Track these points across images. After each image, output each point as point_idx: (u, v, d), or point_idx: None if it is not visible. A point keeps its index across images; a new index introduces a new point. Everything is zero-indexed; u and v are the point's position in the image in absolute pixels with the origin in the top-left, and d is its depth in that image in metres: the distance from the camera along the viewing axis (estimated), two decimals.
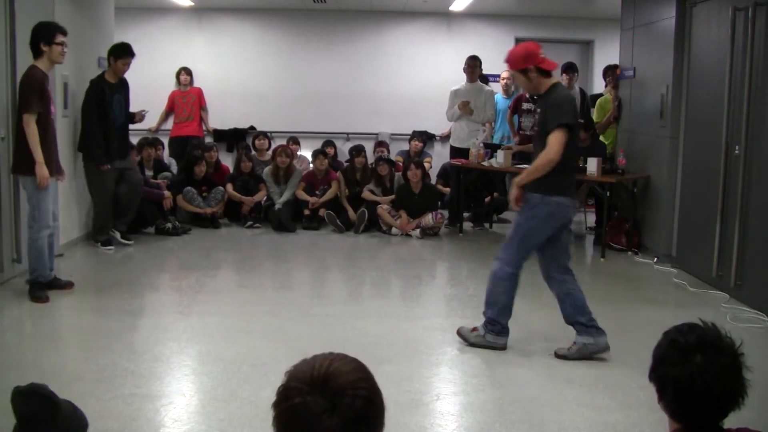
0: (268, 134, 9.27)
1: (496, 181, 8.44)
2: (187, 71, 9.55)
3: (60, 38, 4.96)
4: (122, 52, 6.48)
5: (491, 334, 4.27)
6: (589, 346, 4.13)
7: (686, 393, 1.65)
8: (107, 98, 6.44)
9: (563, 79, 8.31)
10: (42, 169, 4.81)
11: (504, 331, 4.29)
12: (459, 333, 4.41)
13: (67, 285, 5.31)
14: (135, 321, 4.79)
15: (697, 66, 6.25)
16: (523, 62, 4.11)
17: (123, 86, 6.67)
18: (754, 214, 5.23)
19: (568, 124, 3.98)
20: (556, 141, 3.95)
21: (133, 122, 6.93)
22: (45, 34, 4.92)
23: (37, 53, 4.93)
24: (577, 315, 4.18)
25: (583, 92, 8.40)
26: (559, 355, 4.16)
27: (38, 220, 4.93)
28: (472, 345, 4.30)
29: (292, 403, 1.24)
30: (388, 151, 9.44)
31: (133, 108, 6.91)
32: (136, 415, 3.27)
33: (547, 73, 4.13)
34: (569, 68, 8.35)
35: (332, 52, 10.35)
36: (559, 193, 4.08)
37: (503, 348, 4.28)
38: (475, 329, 4.35)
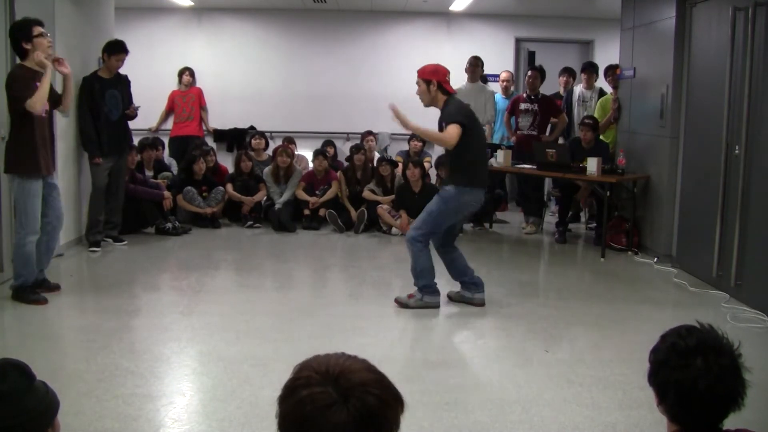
0: (266, 134, 9.27)
1: (496, 181, 8.45)
2: (190, 72, 9.56)
3: (38, 29, 4.77)
4: (115, 49, 6.49)
5: (428, 295, 5.01)
6: (465, 296, 5.14)
7: (688, 396, 1.65)
8: (98, 93, 6.44)
9: (582, 78, 8.33)
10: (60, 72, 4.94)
11: (437, 291, 5.04)
12: (397, 301, 5.06)
13: (55, 288, 5.20)
14: (135, 321, 4.79)
15: (697, 66, 6.24)
16: (430, 75, 4.87)
17: (120, 82, 6.66)
18: (754, 214, 5.23)
19: (460, 122, 4.74)
20: (452, 129, 4.73)
21: (129, 119, 6.91)
22: (22, 33, 4.77)
23: (22, 54, 4.80)
24: (461, 276, 5.14)
25: (602, 92, 8.38)
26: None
27: (25, 226, 4.83)
28: (413, 308, 4.96)
29: (299, 395, 1.19)
30: (376, 141, 9.45)
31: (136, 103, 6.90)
32: (136, 415, 3.27)
33: (446, 92, 4.89)
34: (589, 67, 8.35)
35: (332, 52, 10.36)
36: (470, 185, 4.87)
37: (438, 306, 5.03)
38: (411, 296, 5.03)
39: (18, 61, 4.94)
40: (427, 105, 5.00)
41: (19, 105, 4.71)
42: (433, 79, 4.85)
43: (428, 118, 9.68)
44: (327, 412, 1.17)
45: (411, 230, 5.06)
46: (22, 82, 4.73)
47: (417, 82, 4.94)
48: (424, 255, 4.96)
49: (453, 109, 4.85)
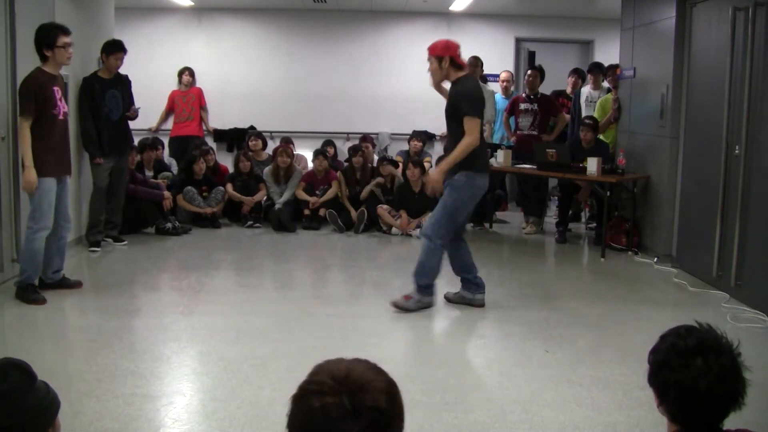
0: (263, 134, 9.25)
1: (496, 181, 8.45)
2: (190, 72, 9.57)
3: (62, 40, 4.88)
4: (113, 48, 6.51)
5: (427, 296, 4.94)
6: (466, 297, 5.06)
7: (689, 396, 1.65)
8: (98, 94, 6.46)
9: (589, 79, 8.33)
10: (29, 174, 4.76)
11: (434, 292, 4.99)
12: (395, 305, 4.90)
13: (77, 284, 5.31)
14: (135, 321, 4.79)
15: (697, 66, 6.25)
16: (442, 51, 4.74)
17: (120, 82, 6.68)
18: (754, 214, 5.23)
19: (478, 117, 4.68)
20: (471, 128, 4.64)
21: (130, 119, 6.93)
22: (47, 39, 4.85)
23: (42, 57, 4.89)
24: (465, 272, 5.04)
25: (609, 92, 8.37)
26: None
27: (37, 221, 4.88)
28: (414, 310, 4.85)
29: (312, 404, 1.20)
30: (373, 145, 9.45)
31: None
32: (136, 415, 3.27)
33: (459, 66, 4.78)
34: (595, 68, 8.32)
35: (332, 52, 10.36)
36: (480, 170, 4.79)
37: (432, 305, 4.96)
38: (408, 297, 4.91)
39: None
40: (438, 82, 4.88)
41: (19, 113, 4.82)
42: (445, 55, 4.73)
43: (427, 117, 9.75)
44: (337, 424, 1.18)
45: (427, 226, 4.94)
46: (25, 90, 4.81)
47: (428, 60, 4.81)
48: (438, 254, 4.85)
49: (467, 99, 4.68)
